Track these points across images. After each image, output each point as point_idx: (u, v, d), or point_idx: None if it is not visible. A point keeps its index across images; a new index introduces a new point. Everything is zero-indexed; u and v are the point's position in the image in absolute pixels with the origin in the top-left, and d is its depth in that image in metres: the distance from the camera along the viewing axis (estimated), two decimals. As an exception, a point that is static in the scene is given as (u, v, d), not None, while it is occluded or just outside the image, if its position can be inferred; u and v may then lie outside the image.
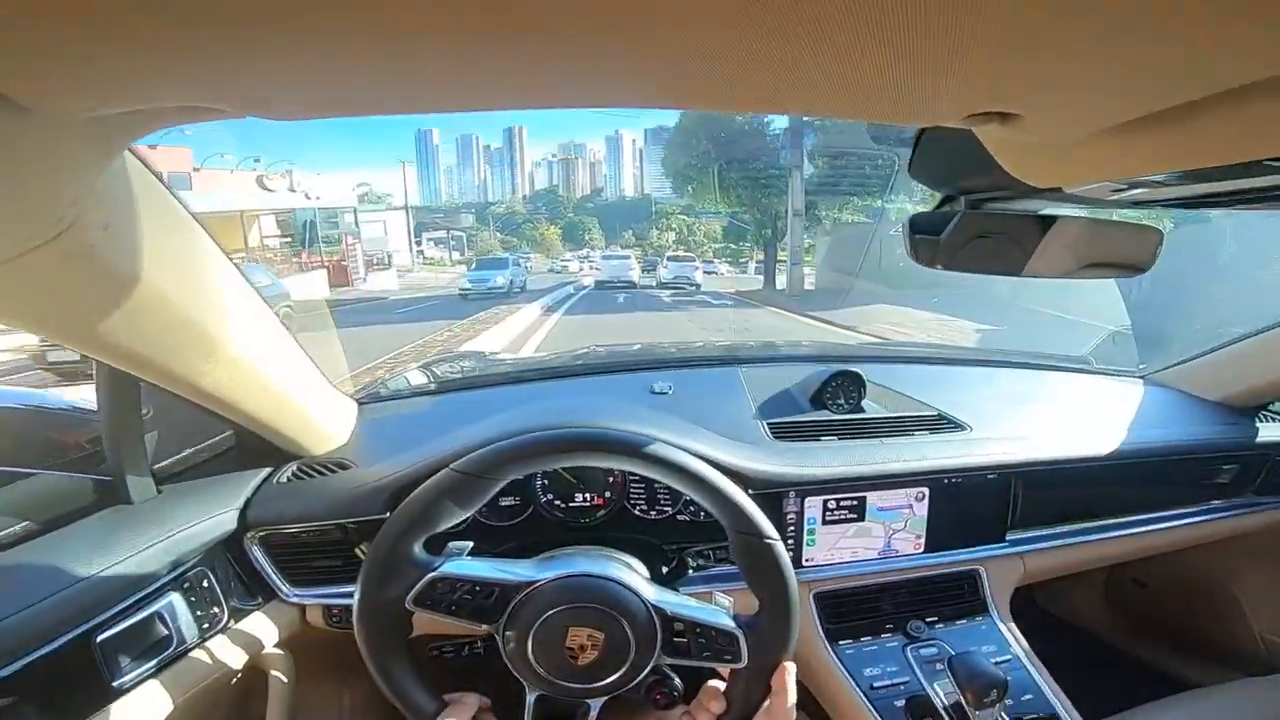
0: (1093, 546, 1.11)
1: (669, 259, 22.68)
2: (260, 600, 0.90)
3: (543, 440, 0.70)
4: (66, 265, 0.43)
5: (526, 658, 0.66)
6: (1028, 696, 0.91)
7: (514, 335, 8.56)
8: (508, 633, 0.67)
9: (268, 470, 0.94)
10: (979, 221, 0.60)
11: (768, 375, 1.21)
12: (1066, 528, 1.11)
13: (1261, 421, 1.24)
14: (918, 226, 0.61)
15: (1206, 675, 1.37)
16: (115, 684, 0.68)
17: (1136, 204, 0.52)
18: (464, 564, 0.69)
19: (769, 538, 0.68)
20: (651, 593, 0.69)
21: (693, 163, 19.56)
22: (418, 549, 0.68)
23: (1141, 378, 1.39)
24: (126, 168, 0.45)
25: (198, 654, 0.79)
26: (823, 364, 1.18)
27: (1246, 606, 1.39)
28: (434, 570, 0.67)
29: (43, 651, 0.62)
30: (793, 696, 0.68)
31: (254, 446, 0.92)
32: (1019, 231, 0.59)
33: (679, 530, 0.98)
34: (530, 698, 0.69)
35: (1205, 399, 1.28)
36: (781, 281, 17.49)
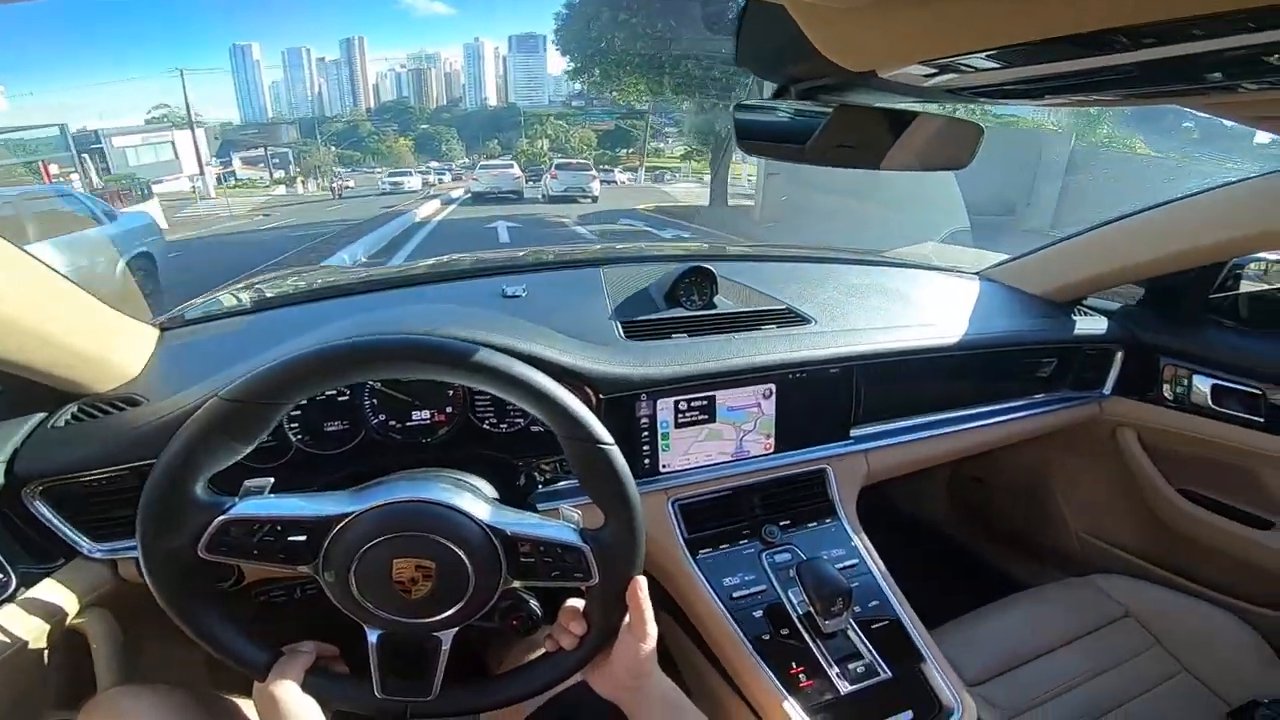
0: (930, 443, 1.17)
1: (557, 167, 19.14)
2: (61, 560, 0.82)
3: (316, 356, 0.60)
4: None
5: (353, 596, 0.61)
6: (874, 603, 0.95)
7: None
8: (326, 573, 0.61)
9: (42, 415, 0.83)
10: (794, 111, 0.59)
11: (630, 276, 1.18)
12: (905, 423, 1.16)
13: (1077, 315, 1.35)
14: (744, 119, 0.60)
15: (1038, 574, 1.50)
16: None
17: (950, 92, 0.52)
18: (260, 503, 0.61)
19: (602, 442, 0.64)
20: (486, 512, 0.64)
21: (608, 34, 15.50)
22: (199, 490, 0.59)
23: (976, 274, 1.48)
24: None
25: None
26: (680, 263, 1.16)
27: (1065, 505, 1.54)
28: (223, 513, 0.59)
29: None
30: (649, 612, 0.67)
31: (23, 389, 0.80)
32: (838, 123, 0.58)
33: (535, 444, 0.94)
34: (371, 637, 0.64)
35: (1030, 294, 1.38)
36: (733, 200, 14.74)
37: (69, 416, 0.83)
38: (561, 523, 0.67)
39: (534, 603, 0.72)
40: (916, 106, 0.61)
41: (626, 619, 0.68)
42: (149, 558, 0.59)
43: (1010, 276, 1.43)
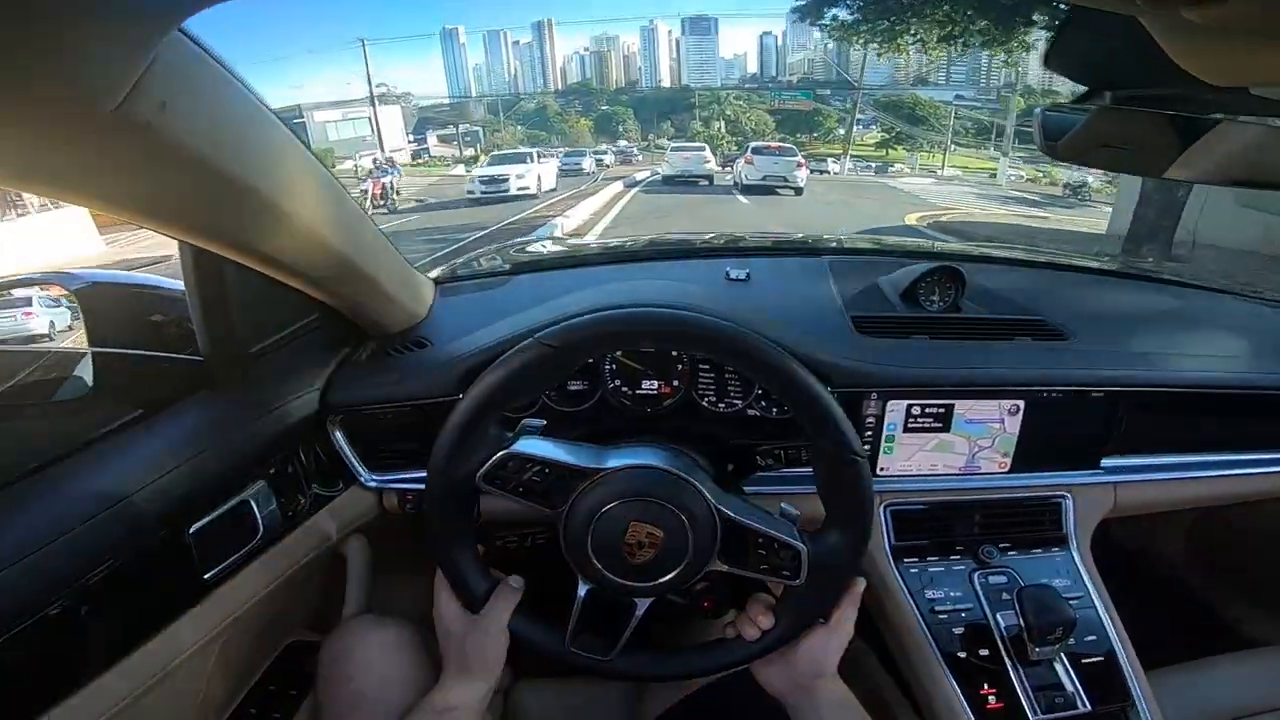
0: (1194, 484, 1.04)
1: (754, 151, 15.94)
2: (341, 486, 0.93)
3: (633, 317, 0.68)
4: (126, 141, 0.44)
5: (585, 548, 0.67)
6: (1091, 637, 0.90)
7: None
8: (569, 520, 0.67)
9: (347, 350, 0.95)
10: (1119, 120, 0.56)
11: (856, 267, 1.15)
12: (1168, 459, 1.04)
13: None
14: (1050, 122, 0.58)
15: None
16: (207, 576, 0.71)
17: None
18: (537, 443, 0.69)
19: (856, 454, 0.66)
20: (715, 494, 0.68)
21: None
22: (493, 424, 0.68)
23: None
24: (185, 51, 0.46)
25: (284, 543, 0.82)
26: (912, 259, 1.12)
27: None
28: (506, 447, 0.67)
29: (140, 546, 0.64)
30: (853, 613, 0.70)
31: (336, 324, 0.92)
32: (1164, 133, 0.55)
33: (748, 425, 0.96)
34: (581, 591, 0.70)
35: None
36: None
37: (369, 352, 0.95)
38: (782, 519, 0.69)
39: (726, 588, 0.75)
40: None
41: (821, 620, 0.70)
42: (437, 477, 0.68)
43: None
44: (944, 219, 12.23)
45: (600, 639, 0.72)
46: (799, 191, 14.37)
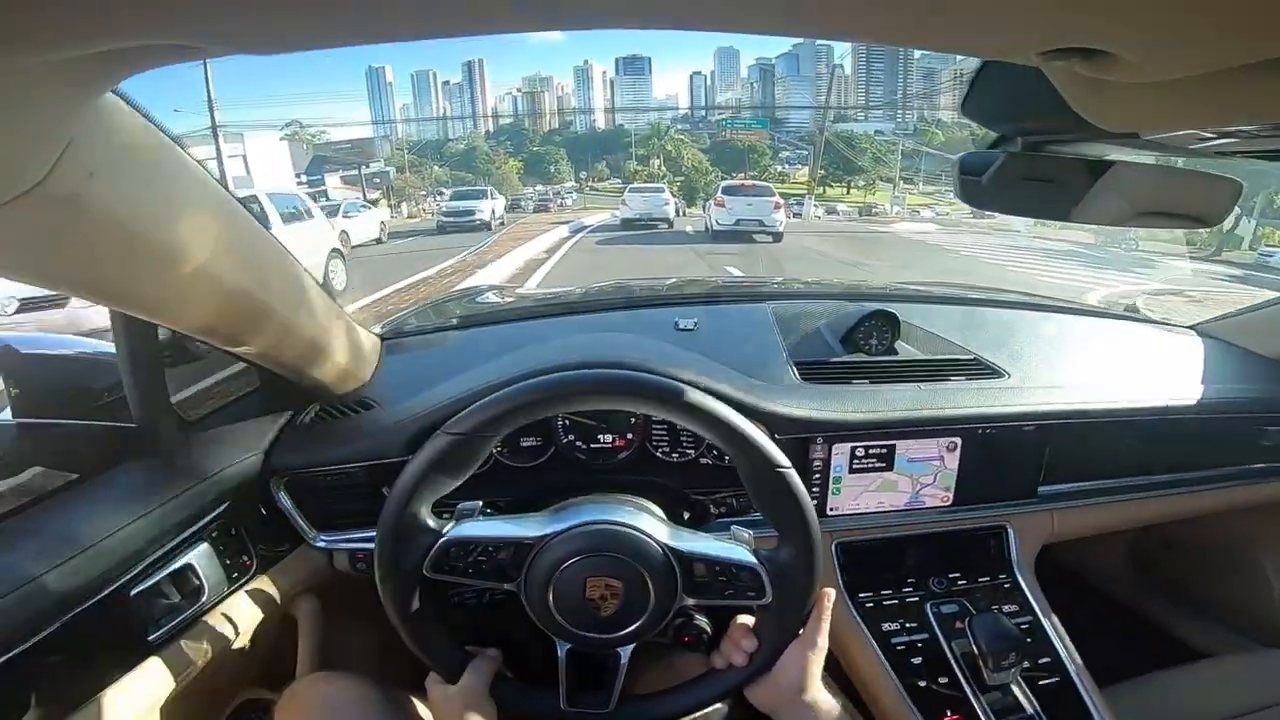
0: (1127, 507, 1.13)
1: (725, 191, 14.57)
2: (288, 546, 0.94)
3: (531, 389, 0.70)
4: (52, 214, 0.44)
5: (551, 613, 0.70)
6: (1045, 659, 0.95)
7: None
8: (528, 590, 0.70)
9: (291, 413, 0.97)
10: (1029, 163, 0.59)
11: (798, 313, 1.21)
12: (1101, 484, 1.12)
13: None
14: (967, 167, 0.61)
15: (1225, 644, 1.41)
16: (151, 638, 0.72)
17: (1220, 154, 0.51)
18: (475, 525, 0.71)
19: (780, 466, 0.70)
20: (665, 534, 0.72)
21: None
22: (425, 514, 0.70)
23: (1192, 328, 1.40)
24: (111, 113, 0.46)
25: (229, 603, 0.82)
26: (856, 302, 1.19)
27: (1272, 576, 1.42)
28: (444, 536, 0.70)
29: (81, 609, 0.64)
30: (827, 624, 0.72)
31: (278, 387, 0.93)
32: (1069, 175, 0.58)
33: (703, 474, 1.01)
34: (561, 651, 0.73)
35: (1259, 354, 1.28)
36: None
37: (313, 415, 0.96)
38: (734, 543, 0.73)
39: (703, 620, 0.77)
40: (1162, 160, 0.59)
41: (800, 632, 0.72)
42: (385, 573, 0.70)
43: (1233, 333, 1.34)
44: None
45: (595, 693, 0.74)
46: (778, 237, 13.34)
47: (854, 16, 0.31)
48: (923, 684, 0.90)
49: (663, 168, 48.21)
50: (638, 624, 0.70)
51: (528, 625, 0.73)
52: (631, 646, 0.73)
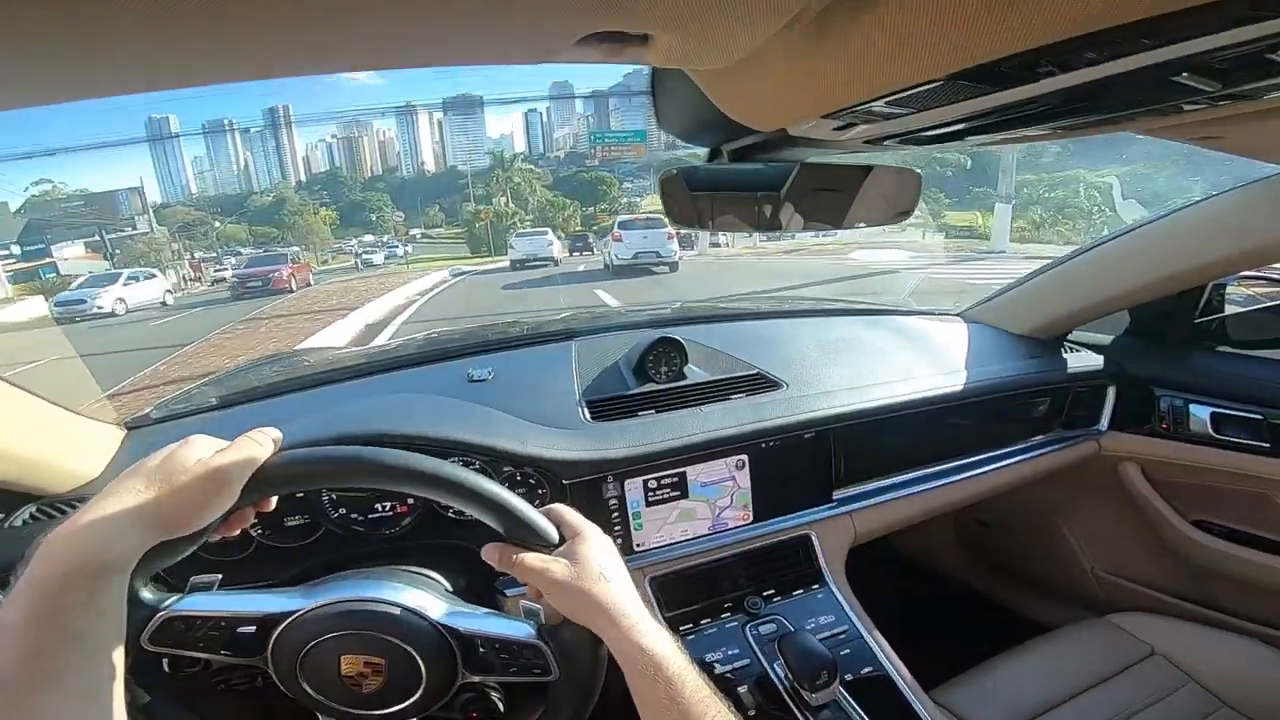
0: (922, 498, 1.21)
1: (621, 226, 15.70)
2: None
3: None
4: None
5: (304, 689, 0.67)
6: (868, 669, 0.98)
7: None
8: (275, 665, 0.67)
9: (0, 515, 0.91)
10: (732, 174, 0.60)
11: (600, 348, 1.26)
12: (892, 480, 1.21)
13: (1066, 353, 1.41)
14: (676, 183, 0.61)
15: (1055, 615, 1.54)
16: None
17: (869, 142, 0.54)
18: (203, 599, 0.67)
19: (550, 544, 0.68)
20: (440, 610, 0.70)
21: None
22: (141, 589, 0.65)
23: (959, 314, 1.55)
24: None
25: None
26: (653, 329, 1.23)
27: (1076, 544, 1.58)
28: (163, 609, 0.65)
29: None
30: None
31: None
32: (754, 181, 0.60)
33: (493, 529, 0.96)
34: None
35: (1016, 334, 1.44)
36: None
37: (26, 517, 0.90)
38: (519, 620, 0.71)
39: (496, 695, 0.75)
40: (863, 159, 0.62)
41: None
42: None
43: (992, 316, 1.50)
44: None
45: None
46: (674, 267, 14.16)
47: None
48: (753, 712, 0.91)
49: (510, 204, 45.89)
50: (410, 701, 0.68)
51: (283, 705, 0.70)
52: None
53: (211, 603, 0.67)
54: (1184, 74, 0.35)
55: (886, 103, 0.43)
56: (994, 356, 1.35)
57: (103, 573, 0.50)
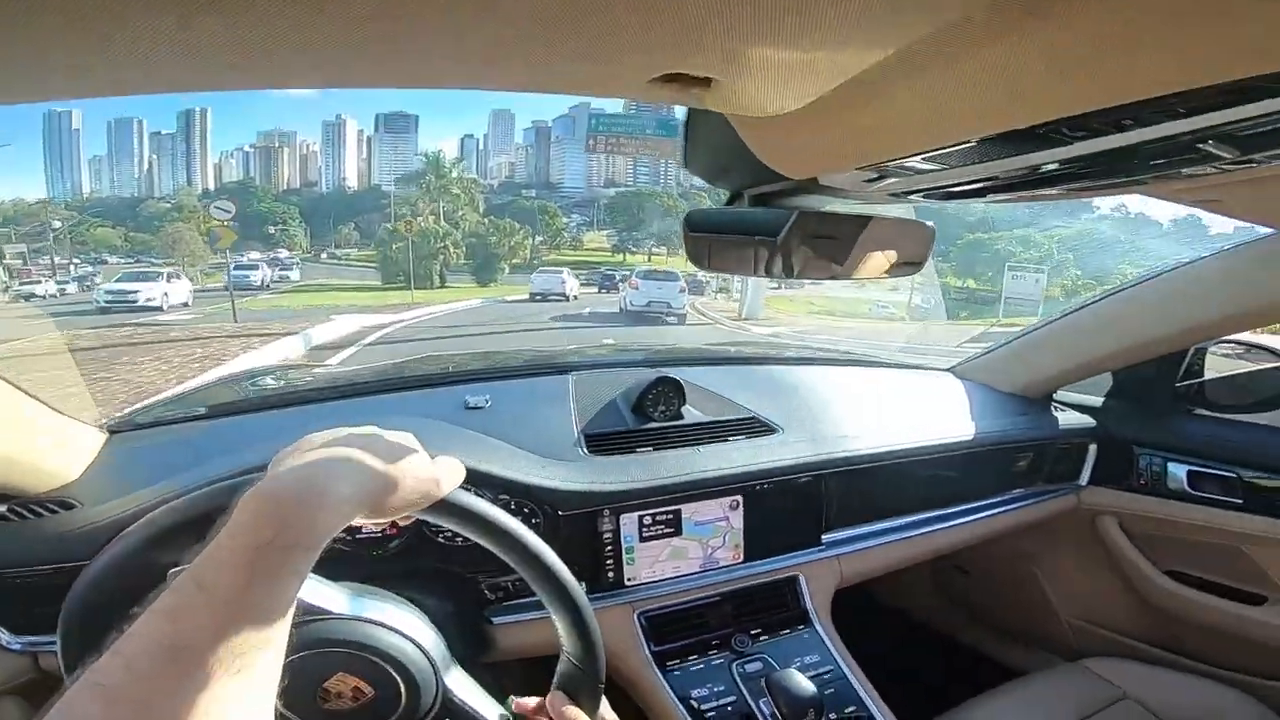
0: (906, 544, 1.29)
1: (640, 276, 17.84)
2: None
3: (190, 504, 0.62)
4: None
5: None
6: (850, 708, 1.03)
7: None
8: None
9: None
10: (755, 219, 0.62)
11: (597, 382, 1.29)
12: (880, 525, 1.27)
13: (1051, 411, 1.51)
14: (696, 224, 0.63)
15: (1029, 661, 1.62)
16: None
17: (894, 195, 0.58)
18: None
19: (601, 682, 0.67)
20: (445, 665, 0.70)
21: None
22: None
23: (950, 370, 1.64)
24: None
25: None
26: (650, 368, 1.28)
27: (1051, 592, 1.67)
28: None
29: None
30: None
31: None
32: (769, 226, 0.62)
33: (489, 557, 0.95)
34: None
35: (1004, 391, 1.53)
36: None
37: None
38: (498, 707, 0.70)
39: None
40: (868, 210, 0.66)
41: None
42: (70, 670, 0.64)
43: (982, 373, 1.59)
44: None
45: None
46: (682, 319, 15.47)
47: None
48: None
49: (440, 223, 38.69)
50: None
51: None
52: None
53: None
54: (1209, 141, 0.37)
55: (924, 158, 0.47)
56: (982, 412, 1.44)
57: (321, 544, 0.42)
